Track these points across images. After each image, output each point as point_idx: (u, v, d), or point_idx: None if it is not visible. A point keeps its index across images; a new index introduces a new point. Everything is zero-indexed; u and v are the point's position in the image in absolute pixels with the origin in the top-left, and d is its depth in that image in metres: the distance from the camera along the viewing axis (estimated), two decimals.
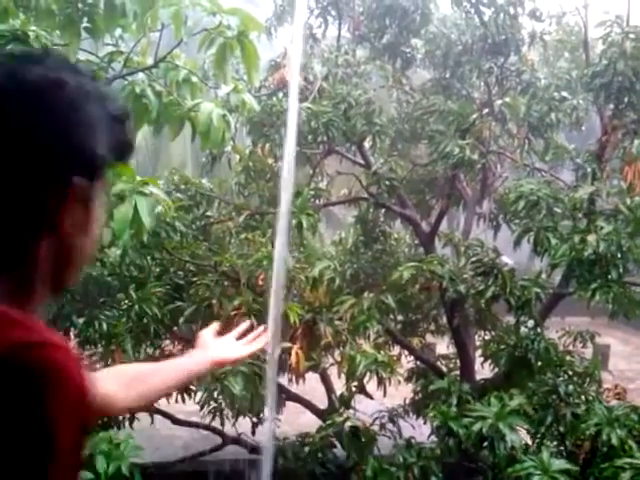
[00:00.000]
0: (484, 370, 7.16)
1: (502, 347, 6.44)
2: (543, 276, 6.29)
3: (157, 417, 7.92)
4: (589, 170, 6.71)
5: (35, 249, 0.91)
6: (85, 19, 3.68)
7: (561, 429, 5.86)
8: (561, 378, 6.28)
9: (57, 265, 0.94)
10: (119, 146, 0.98)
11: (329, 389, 7.66)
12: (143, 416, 7.73)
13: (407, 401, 7.59)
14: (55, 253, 0.93)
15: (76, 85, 0.92)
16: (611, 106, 6.76)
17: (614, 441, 5.09)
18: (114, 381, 1.48)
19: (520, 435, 5.49)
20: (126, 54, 3.75)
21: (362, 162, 7.65)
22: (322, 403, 7.67)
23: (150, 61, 3.77)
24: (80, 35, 3.71)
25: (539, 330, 6.24)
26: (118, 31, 3.84)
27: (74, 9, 3.64)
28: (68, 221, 0.91)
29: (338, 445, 6.41)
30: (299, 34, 2.98)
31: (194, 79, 3.79)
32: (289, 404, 8.27)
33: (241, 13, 3.18)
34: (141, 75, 3.70)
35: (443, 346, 8.64)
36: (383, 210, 7.92)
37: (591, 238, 5.40)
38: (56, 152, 0.89)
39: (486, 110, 7.16)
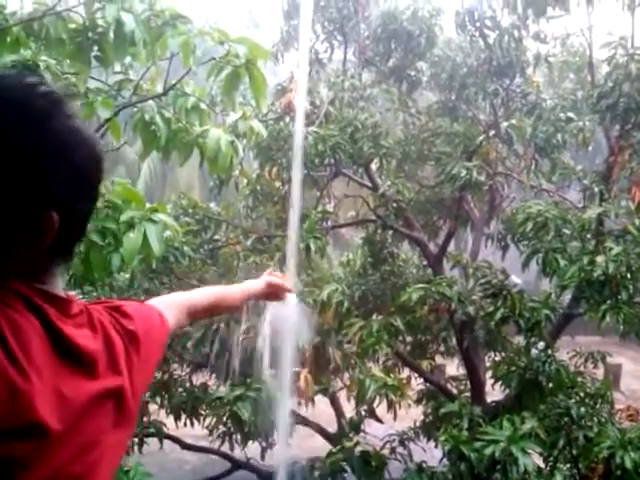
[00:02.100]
0: (494, 391, 7.11)
1: (512, 369, 6.39)
2: (552, 297, 6.26)
3: (166, 441, 7.89)
4: (597, 191, 6.71)
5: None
6: (95, 48, 3.72)
7: (574, 452, 5.80)
8: (573, 400, 6.23)
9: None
10: (85, 174, 1.08)
11: (339, 413, 7.62)
12: (152, 440, 7.71)
13: (417, 424, 7.54)
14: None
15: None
16: (617, 127, 6.77)
17: (628, 464, 5.03)
18: (176, 312, 1.58)
19: (533, 458, 5.43)
20: (135, 82, 3.79)
21: (369, 184, 7.68)
22: (331, 426, 7.62)
23: (159, 88, 3.81)
24: (90, 63, 3.75)
25: (550, 352, 6.20)
26: (127, 59, 3.88)
27: (84, 38, 3.69)
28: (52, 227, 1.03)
29: (349, 470, 6.36)
30: (305, 59, 3.01)
31: (202, 106, 3.82)
32: (298, 428, 8.22)
33: (249, 42, 3.21)
34: (150, 102, 3.74)
35: (453, 367, 8.59)
36: (391, 232, 7.93)
37: (600, 259, 5.38)
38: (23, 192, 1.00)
39: (492, 132, 7.18)
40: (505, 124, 7.10)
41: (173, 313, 1.53)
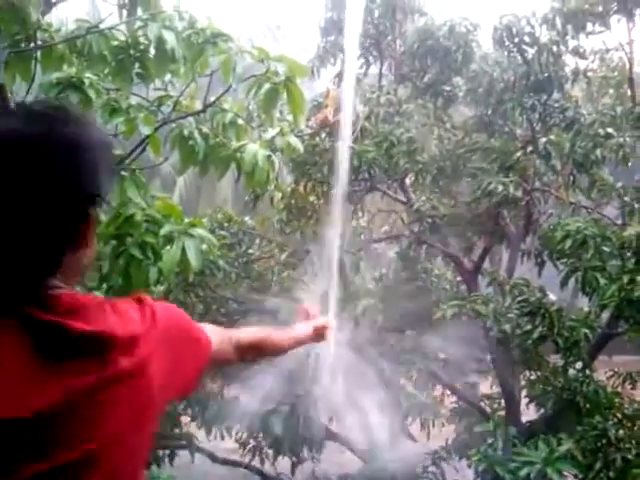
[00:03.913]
0: (530, 412, 6.99)
1: (548, 389, 6.28)
2: (591, 316, 6.15)
3: (197, 454, 7.92)
4: (637, 207, 6.59)
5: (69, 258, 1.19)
6: (137, 65, 3.80)
7: (611, 474, 5.66)
8: (610, 422, 6.08)
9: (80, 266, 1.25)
10: (107, 179, 1.23)
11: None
12: (183, 453, 7.74)
13: (450, 442, 7.44)
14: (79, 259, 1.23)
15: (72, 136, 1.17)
16: None
17: None
18: (220, 338, 1.65)
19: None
20: (175, 98, 3.85)
21: (404, 199, 7.65)
22: (361, 442, 7.57)
23: (198, 105, 3.87)
24: (132, 80, 3.83)
25: (588, 372, 6.08)
26: (168, 76, 3.95)
27: (126, 55, 3.77)
28: (89, 238, 1.23)
29: None
30: (351, 75, 3.02)
31: (240, 121, 3.86)
32: (329, 443, 8.18)
33: (288, 60, 3.25)
34: (189, 118, 3.79)
35: (486, 386, 8.47)
36: (424, 247, 7.88)
37: None
38: (81, 194, 1.18)
39: (530, 147, 7.10)
40: (543, 140, 7.02)
41: (217, 336, 1.57)
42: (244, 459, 7.26)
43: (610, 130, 7.24)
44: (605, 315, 6.50)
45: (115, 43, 3.75)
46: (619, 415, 6.31)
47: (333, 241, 2.35)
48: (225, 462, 8.42)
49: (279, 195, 7.60)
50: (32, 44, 3.57)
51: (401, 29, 7.99)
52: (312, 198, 7.31)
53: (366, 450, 7.25)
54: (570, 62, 7.74)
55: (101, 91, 3.53)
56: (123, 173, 3.49)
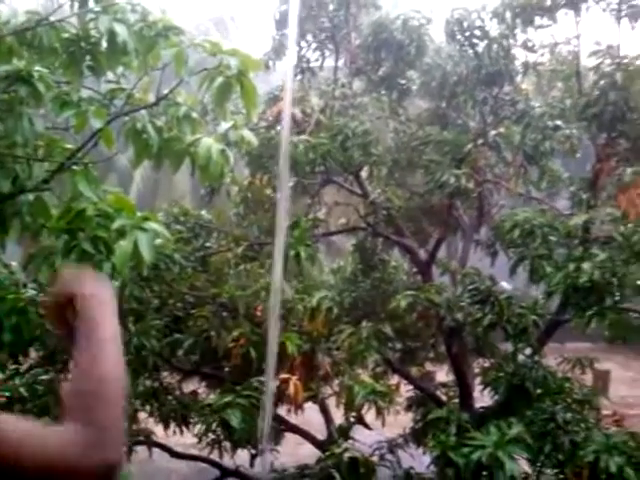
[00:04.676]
0: (485, 398, 7.16)
1: (500, 375, 6.45)
2: (540, 303, 6.33)
3: (155, 449, 7.88)
4: (584, 197, 6.80)
5: None
6: (88, 57, 3.76)
7: (560, 457, 5.85)
8: (559, 406, 6.28)
9: None
10: None
11: (328, 420, 7.64)
12: (141, 449, 7.70)
13: (407, 430, 7.57)
14: None
15: None
16: (604, 135, 6.86)
17: (612, 468, 5.09)
18: None
19: (519, 464, 5.48)
20: (128, 91, 3.82)
21: (360, 192, 7.74)
22: (322, 434, 7.65)
23: (151, 98, 3.85)
24: (83, 73, 3.79)
25: (536, 358, 6.26)
26: (120, 69, 3.92)
27: (77, 48, 3.73)
28: None
29: (337, 476, 6.38)
30: (291, 70, 3.07)
31: (194, 115, 3.86)
32: (289, 435, 8.23)
33: (240, 54, 3.27)
34: (142, 111, 3.78)
35: (443, 374, 8.64)
36: (381, 239, 7.99)
37: (586, 266, 5.46)
38: None
39: (481, 140, 7.26)
40: (493, 132, 7.18)
41: None
42: (203, 452, 7.25)
43: (559, 122, 7.44)
44: (555, 303, 6.71)
45: (66, 35, 3.71)
46: (568, 399, 6.52)
47: (279, 234, 2.40)
48: (184, 456, 8.41)
49: (236, 189, 7.61)
50: None
51: (356, 22, 8.04)
52: (268, 191, 7.33)
53: (323, 440, 7.34)
54: (520, 56, 7.93)
55: (51, 84, 3.49)
56: (75, 167, 3.47)
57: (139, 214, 3.17)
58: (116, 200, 3.17)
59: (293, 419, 7.01)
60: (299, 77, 7.93)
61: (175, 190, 16.74)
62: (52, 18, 3.76)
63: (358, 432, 6.97)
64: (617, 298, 5.70)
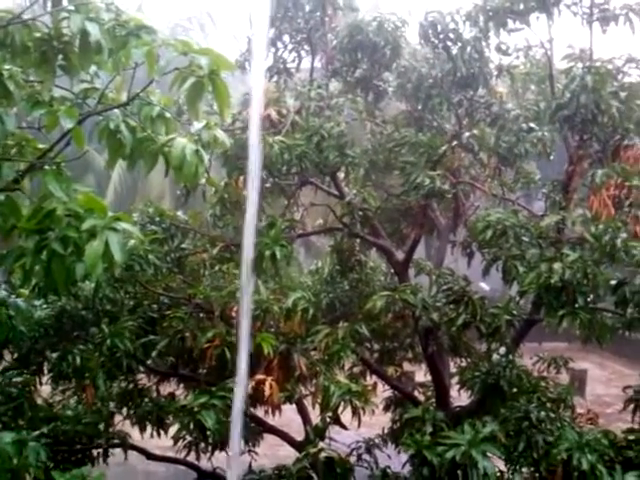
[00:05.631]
0: (463, 397, 7.21)
1: (476, 374, 6.51)
2: (513, 303, 6.39)
3: (132, 452, 7.83)
4: (557, 199, 6.87)
5: None
6: (60, 56, 3.73)
7: (534, 455, 5.91)
8: (534, 404, 6.35)
9: None
10: None
11: (305, 420, 7.65)
12: (117, 451, 7.65)
13: (385, 430, 7.60)
14: None
15: None
16: (576, 137, 6.95)
17: (584, 466, 5.16)
18: None
19: (494, 462, 5.53)
20: (101, 91, 3.80)
21: (336, 193, 7.76)
22: (301, 435, 7.65)
23: (124, 97, 3.83)
24: (55, 72, 3.76)
25: (510, 357, 6.32)
26: (93, 68, 3.89)
27: (49, 47, 3.70)
28: None
29: (315, 477, 6.39)
30: (260, 69, 3.06)
31: (168, 115, 3.85)
32: (268, 437, 8.22)
33: (212, 53, 3.26)
34: (116, 111, 3.76)
35: (422, 374, 8.69)
36: (358, 240, 8.02)
37: (557, 266, 5.52)
38: None
39: (456, 142, 7.31)
40: (467, 134, 7.24)
41: None
42: (180, 455, 7.22)
43: (533, 125, 7.52)
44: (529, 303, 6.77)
45: (38, 34, 3.67)
46: (542, 398, 6.59)
47: (247, 236, 2.40)
48: (160, 459, 8.36)
49: (212, 189, 7.57)
50: None
51: (332, 24, 8.06)
52: (245, 192, 7.31)
53: (301, 441, 7.34)
54: (495, 59, 8.00)
55: (21, 83, 3.46)
56: (46, 167, 3.44)
57: (111, 214, 3.14)
58: (87, 200, 3.15)
59: (273, 420, 7.01)
60: (275, 78, 7.94)
61: (153, 191, 16.64)
62: (24, 16, 3.73)
63: (339, 433, 6.97)
64: (590, 298, 5.77)
